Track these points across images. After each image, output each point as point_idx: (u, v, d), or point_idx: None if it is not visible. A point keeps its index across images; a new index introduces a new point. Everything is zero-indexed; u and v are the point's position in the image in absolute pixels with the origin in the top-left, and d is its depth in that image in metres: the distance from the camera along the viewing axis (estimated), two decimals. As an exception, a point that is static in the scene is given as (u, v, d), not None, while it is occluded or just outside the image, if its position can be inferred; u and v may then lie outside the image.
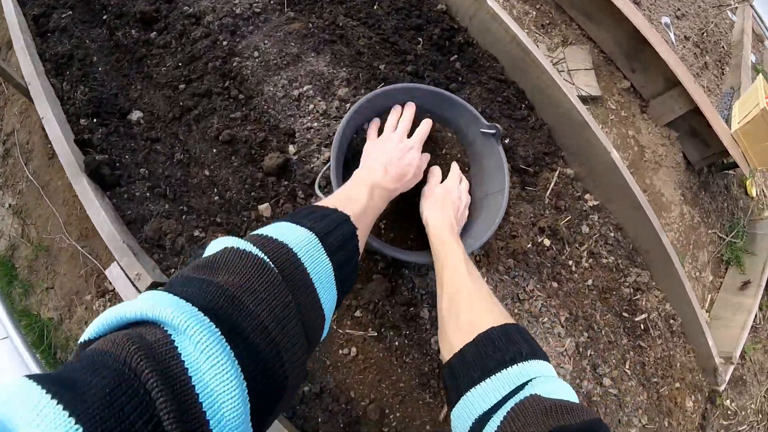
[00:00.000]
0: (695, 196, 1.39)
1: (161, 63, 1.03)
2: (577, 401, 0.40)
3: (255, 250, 0.35)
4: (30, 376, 0.22)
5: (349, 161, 0.83)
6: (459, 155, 0.87)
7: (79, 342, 0.28)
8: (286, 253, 0.36)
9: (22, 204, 1.38)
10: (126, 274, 0.73)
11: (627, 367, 1.08)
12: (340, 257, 0.42)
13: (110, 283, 1.07)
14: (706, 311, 1.28)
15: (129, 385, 0.23)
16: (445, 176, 0.80)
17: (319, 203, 0.50)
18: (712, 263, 1.35)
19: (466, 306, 0.53)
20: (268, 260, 0.34)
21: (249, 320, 0.30)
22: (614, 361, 1.07)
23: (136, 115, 0.98)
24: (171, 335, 0.26)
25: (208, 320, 0.27)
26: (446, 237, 0.66)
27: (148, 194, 0.89)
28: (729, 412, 1.23)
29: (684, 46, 1.43)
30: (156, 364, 0.24)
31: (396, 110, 0.80)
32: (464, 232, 0.82)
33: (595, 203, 1.13)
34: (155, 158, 0.94)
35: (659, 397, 1.11)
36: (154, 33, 1.05)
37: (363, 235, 0.51)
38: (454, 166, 0.81)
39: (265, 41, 1.02)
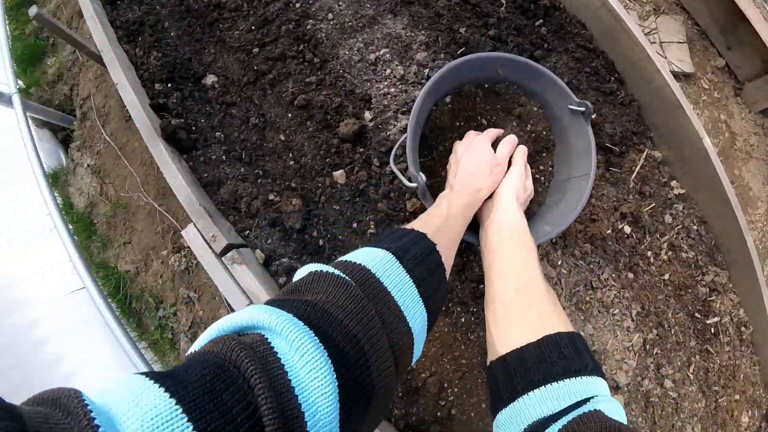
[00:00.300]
0: (785, 193, 1.26)
1: (233, 26, 1.00)
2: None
3: (336, 272, 0.37)
4: (138, 373, 0.23)
5: (427, 135, 0.78)
6: (544, 132, 0.80)
7: (186, 355, 0.28)
8: (365, 274, 0.38)
9: (101, 164, 1.44)
10: (202, 236, 0.74)
11: (691, 371, 1.01)
12: (419, 273, 0.42)
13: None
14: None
15: (228, 375, 0.24)
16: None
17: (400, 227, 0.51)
18: (796, 267, 1.24)
19: (535, 302, 0.49)
20: (348, 279, 0.36)
21: (339, 329, 0.31)
22: (679, 363, 1.01)
23: (210, 79, 0.97)
24: (268, 338, 0.28)
25: (302, 324, 0.29)
26: (515, 211, 0.61)
27: (224, 157, 0.89)
28: (782, 436, 1.15)
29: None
30: (255, 359, 0.25)
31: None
32: (541, 217, 0.76)
33: (682, 191, 1.04)
34: (230, 122, 0.93)
35: (717, 407, 1.05)
36: (225, -5, 1.01)
37: (446, 249, 0.50)
38: (519, 152, 0.73)
39: (339, 2, 0.97)
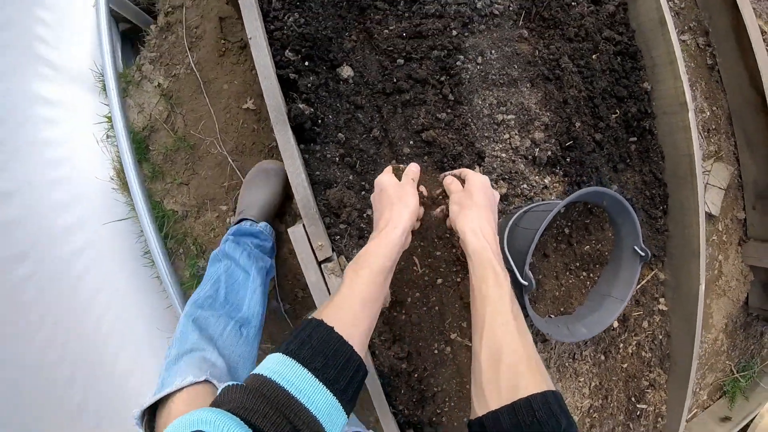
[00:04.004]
0: (735, 329, 1.55)
1: (383, 22, 0.98)
2: None
3: (243, 384, 0.46)
4: None
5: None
6: (606, 253, 1.01)
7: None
8: (263, 380, 0.45)
9: (175, 89, 1.29)
10: (309, 241, 0.79)
11: (611, 436, 1.32)
12: (318, 363, 0.47)
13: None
14: (687, 421, 1.51)
15: None
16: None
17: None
18: (713, 387, 1.56)
19: (509, 364, 0.50)
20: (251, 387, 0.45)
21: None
22: (606, 429, 1.30)
23: (347, 71, 0.95)
24: None
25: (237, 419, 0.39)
26: (486, 258, 0.59)
27: (337, 159, 0.92)
28: None
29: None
30: None
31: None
32: (577, 319, 0.97)
33: (664, 308, 1.29)
34: (355, 127, 0.96)
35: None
36: (382, -18, 0.97)
37: (347, 324, 0.52)
38: (467, 170, 0.77)
39: (492, 50, 1.04)
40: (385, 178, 0.73)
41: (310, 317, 0.52)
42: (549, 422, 0.44)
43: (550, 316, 0.98)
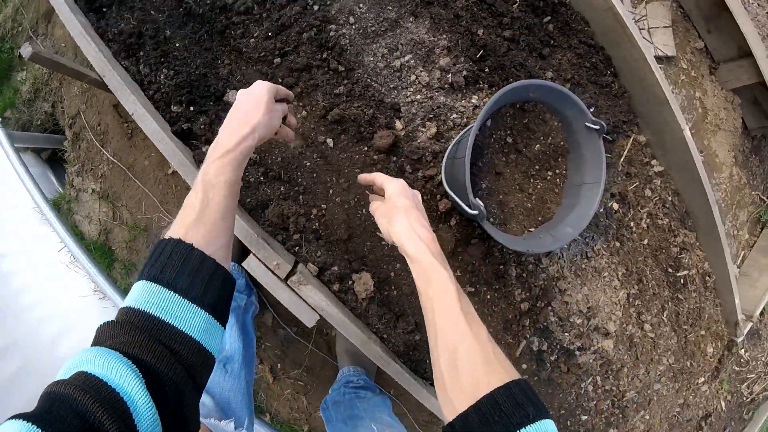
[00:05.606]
0: (746, 158, 1.45)
1: (247, 33, 0.96)
2: None
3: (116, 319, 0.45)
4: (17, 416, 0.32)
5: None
6: (561, 142, 0.94)
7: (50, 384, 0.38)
8: (133, 312, 0.45)
9: (108, 187, 1.33)
10: (265, 265, 0.78)
11: (665, 315, 1.24)
12: (182, 283, 0.47)
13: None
14: (738, 267, 1.42)
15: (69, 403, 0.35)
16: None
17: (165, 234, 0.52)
18: (750, 222, 1.46)
19: (467, 364, 0.49)
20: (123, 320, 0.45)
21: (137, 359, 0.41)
22: (655, 310, 1.23)
23: (232, 96, 0.93)
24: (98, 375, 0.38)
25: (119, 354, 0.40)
26: (427, 261, 0.57)
27: (262, 179, 0.90)
28: (742, 361, 1.43)
29: (763, 10, 1.39)
30: (97, 396, 0.35)
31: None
32: (561, 220, 0.91)
33: (660, 169, 1.21)
34: (265, 142, 0.91)
35: (686, 342, 1.29)
36: (231, -3, 0.95)
37: (207, 241, 0.51)
38: (379, 174, 0.71)
39: (360, 4, 0.98)
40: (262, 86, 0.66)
41: (166, 236, 0.50)
42: (516, 413, 0.43)
43: (529, 231, 0.92)
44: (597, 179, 0.86)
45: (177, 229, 0.51)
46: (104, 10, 0.96)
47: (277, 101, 0.67)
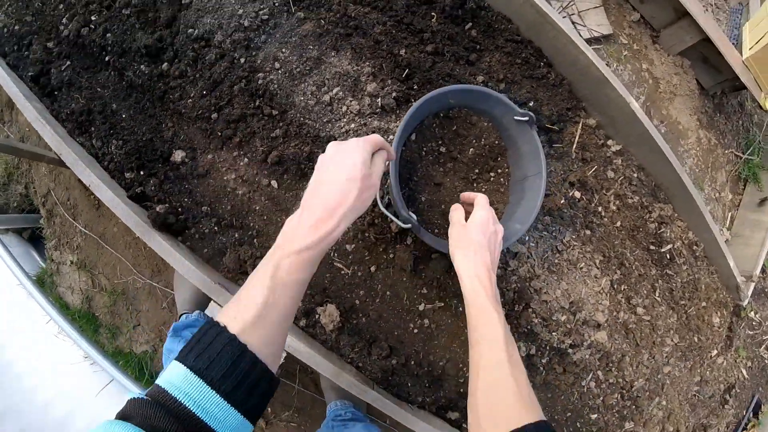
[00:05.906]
0: (710, 119, 1.42)
1: (184, 95, 1.00)
2: None
3: (148, 398, 0.44)
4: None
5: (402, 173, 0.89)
6: (496, 141, 0.93)
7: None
8: (167, 397, 0.43)
9: (84, 257, 1.42)
10: None
11: (657, 294, 1.19)
12: (226, 386, 0.44)
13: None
14: (727, 229, 1.37)
15: None
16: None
17: (217, 316, 0.50)
18: (731, 182, 1.42)
19: (504, 401, 0.53)
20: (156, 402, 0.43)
21: None
22: (645, 291, 1.18)
23: (178, 155, 0.98)
24: None
25: None
26: (483, 303, 0.61)
27: (216, 228, 0.93)
28: (754, 323, 1.36)
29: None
30: None
31: None
32: (510, 217, 0.89)
33: (618, 148, 1.19)
34: (212, 192, 0.97)
35: (688, 317, 1.24)
36: (165, 64, 1.02)
37: (264, 343, 0.48)
38: (480, 197, 0.74)
39: (283, 49, 1.01)
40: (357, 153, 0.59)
41: (219, 323, 0.48)
42: None
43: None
44: (538, 170, 0.84)
45: (233, 323, 0.47)
46: (56, 93, 1.02)
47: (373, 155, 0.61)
